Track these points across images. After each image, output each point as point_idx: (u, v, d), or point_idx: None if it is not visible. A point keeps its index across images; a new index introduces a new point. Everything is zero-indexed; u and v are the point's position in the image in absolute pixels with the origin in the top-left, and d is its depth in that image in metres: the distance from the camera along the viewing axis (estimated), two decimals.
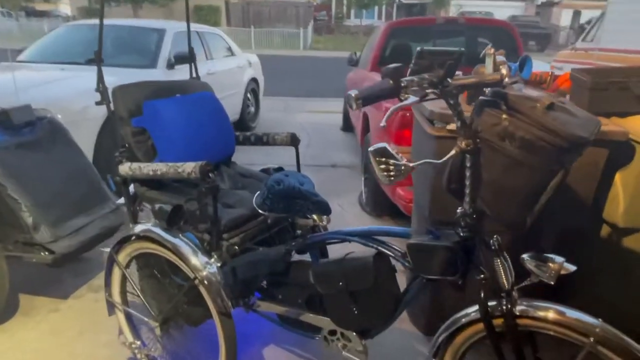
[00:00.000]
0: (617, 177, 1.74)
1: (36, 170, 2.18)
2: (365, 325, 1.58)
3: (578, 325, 1.19)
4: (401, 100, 0.96)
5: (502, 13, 24.28)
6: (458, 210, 1.31)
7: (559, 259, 1.21)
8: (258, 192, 1.67)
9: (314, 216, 1.73)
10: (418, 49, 0.95)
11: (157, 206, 1.64)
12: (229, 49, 6.02)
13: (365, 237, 1.54)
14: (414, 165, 1.06)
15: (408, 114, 2.54)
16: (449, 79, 0.99)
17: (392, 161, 1.03)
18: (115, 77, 3.61)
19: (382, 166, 1.04)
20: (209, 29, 5.72)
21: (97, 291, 2.46)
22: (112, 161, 3.44)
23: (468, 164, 1.08)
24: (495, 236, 1.28)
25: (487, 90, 1.06)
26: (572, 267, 1.20)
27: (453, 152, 1.06)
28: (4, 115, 2.30)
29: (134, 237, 1.67)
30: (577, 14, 7.22)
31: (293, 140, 2.02)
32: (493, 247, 1.26)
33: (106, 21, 4.95)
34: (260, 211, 1.62)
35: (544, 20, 25.70)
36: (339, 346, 1.64)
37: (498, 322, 1.29)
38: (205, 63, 5.09)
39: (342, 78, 13.13)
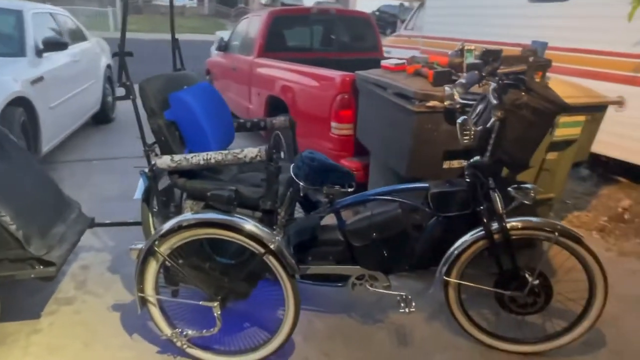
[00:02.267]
0: None
1: (4, 179, 1.90)
2: (392, 264, 2.01)
3: (547, 226, 1.84)
4: (481, 86, 1.40)
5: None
6: (464, 163, 1.84)
7: (533, 185, 1.84)
8: (292, 166, 1.90)
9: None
10: (483, 48, 1.40)
11: (209, 193, 1.72)
12: (82, 32, 5.41)
13: (388, 194, 1.96)
14: (478, 129, 1.52)
15: (346, 97, 2.97)
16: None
17: (473, 128, 1.47)
18: None
19: (466, 132, 1.47)
20: (59, 9, 5.02)
21: (71, 303, 2.26)
22: None
23: (496, 128, 1.60)
24: (489, 178, 1.85)
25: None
26: (541, 190, 1.84)
27: (493, 119, 1.56)
28: None
29: (184, 226, 1.72)
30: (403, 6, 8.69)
31: (291, 124, 2.25)
32: (492, 186, 1.84)
33: None
34: (301, 183, 1.87)
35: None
36: (367, 286, 2.03)
37: (496, 236, 1.88)
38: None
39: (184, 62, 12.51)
